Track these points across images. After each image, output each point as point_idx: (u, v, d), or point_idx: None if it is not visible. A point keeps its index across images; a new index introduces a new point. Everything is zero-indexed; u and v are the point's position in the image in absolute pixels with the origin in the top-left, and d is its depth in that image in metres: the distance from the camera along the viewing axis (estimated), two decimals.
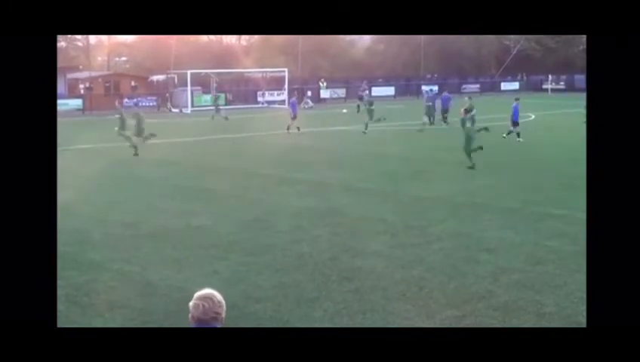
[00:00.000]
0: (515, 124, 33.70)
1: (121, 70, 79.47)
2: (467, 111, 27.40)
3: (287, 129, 38.21)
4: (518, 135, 33.20)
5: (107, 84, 65.93)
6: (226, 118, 47.46)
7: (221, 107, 50.65)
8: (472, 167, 24.84)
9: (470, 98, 34.80)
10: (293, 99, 42.06)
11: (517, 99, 35.04)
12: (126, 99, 62.27)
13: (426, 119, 39.55)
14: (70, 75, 65.11)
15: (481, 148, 25.53)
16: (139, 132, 31.33)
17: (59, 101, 58.48)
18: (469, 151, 25.50)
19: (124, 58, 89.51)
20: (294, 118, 38.80)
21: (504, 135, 33.48)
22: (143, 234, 16.06)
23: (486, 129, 28.00)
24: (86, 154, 31.52)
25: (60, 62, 75.71)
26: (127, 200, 20.15)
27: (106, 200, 20.29)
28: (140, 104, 62.08)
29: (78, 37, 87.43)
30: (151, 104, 62.77)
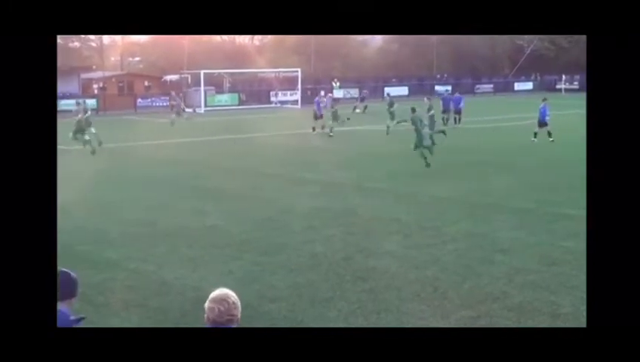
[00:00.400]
0: (543, 124, 33.27)
1: (135, 70, 79.74)
2: (428, 110, 28.65)
3: (322, 129, 37.88)
4: (535, 135, 32.93)
5: (121, 84, 66.21)
6: (186, 119, 44.78)
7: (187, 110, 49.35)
8: (428, 165, 25.38)
9: (429, 99, 34.50)
10: (317, 98, 41.54)
11: (544, 100, 34.49)
12: (140, 99, 62.63)
13: (389, 122, 37.74)
14: (84, 75, 65.47)
15: (433, 144, 26.67)
16: (77, 130, 31.91)
17: (73, 101, 58.78)
18: (421, 148, 26.05)
19: (137, 58, 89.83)
20: (320, 117, 38.37)
21: (550, 139, 32.94)
22: (158, 233, 16.12)
23: (443, 133, 30.42)
24: (100, 153, 31.59)
25: (74, 62, 76.14)
26: (142, 200, 20.22)
27: (120, 199, 20.37)
28: (154, 104, 62.36)
29: (92, 37, 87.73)
30: (164, 104, 62.91)
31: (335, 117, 38.00)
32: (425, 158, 25.64)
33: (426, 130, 27.26)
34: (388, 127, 36.91)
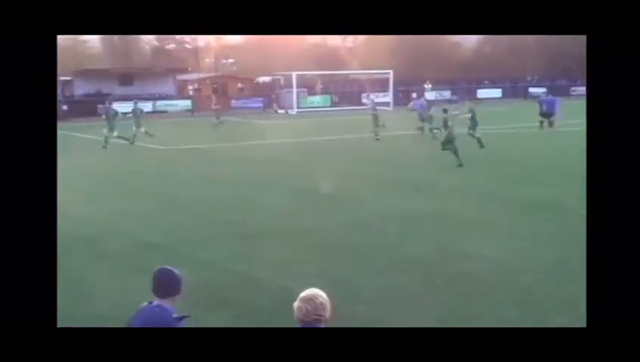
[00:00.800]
0: None
1: (229, 72, 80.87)
2: (468, 112, 31.14)
3: (421, 131, 37.44)
4: None
5: (215, 86, 67.22)
6: (221, 123, 44.49)
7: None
8: (460, 165, 26.01)
9: (469, 100, 33.89)
10: (422, 100, 40.75)
11: None
12: (233, 100, 63.46)
13: (421, 124, 37.28)
14: (179, 77, 66.74)
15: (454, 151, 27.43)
16: (110, 128, 33.95)
17: (169, 102, 60.03)
18: (454, 149, 26.75)
19: (231, 60, 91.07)
20: (424, 120, 37.49)
21: None
22: (250, 233, 16.25)
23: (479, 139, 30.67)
24: (193, 154, 32.15)
25: (170, 63, 77.77)
26: (234, 200, 20.44)
27: (212, 198, 20.64)
28: (246, 105, 63.11)
29: (187, 39, 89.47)
30: (257, 105, 63.62)
31: (375, 121, 37.58)
32: (456, 155, 26.40)
33: (455, 132, 27.70)
34: (425, 129, 36.62)
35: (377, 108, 38.69)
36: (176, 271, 6.04)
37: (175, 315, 5.86)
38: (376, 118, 37.34)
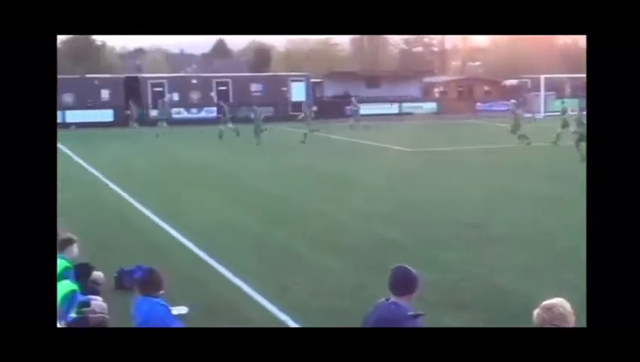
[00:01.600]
0: None
1: (475, 74, 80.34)
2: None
3: None
4: None
5: (460, 89, 67.12)
6: (366, 128, 43.33)
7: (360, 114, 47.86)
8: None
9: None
10: None
11: None
12: (478, 103, 63.04)
13: (560, 130, 34.48)
14: (426, 79, 67.23)
15: None
16: (256, 127, 36.85)
17: (415, 104, 60.63)
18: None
19: (477, 63, 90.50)
20: None
21: None
22: (491, 236, 16.09)
23: None
24: (436, 156, 32.36)
25: (416, 66, 78.56)
26: (475, 202, 20.33)
27: (453, 200, 20.65)
28: (492, 108, 62.46)
29: (434, 42, 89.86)
30: (503, 108, 62.78)
31: (515, 127, 36.42)
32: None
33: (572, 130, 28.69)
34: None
35: (518, 112, 37.69)
36: (413, 270, 6.13)
37: (410, 313, 5.95)
38: (516, 124, 36.20)
